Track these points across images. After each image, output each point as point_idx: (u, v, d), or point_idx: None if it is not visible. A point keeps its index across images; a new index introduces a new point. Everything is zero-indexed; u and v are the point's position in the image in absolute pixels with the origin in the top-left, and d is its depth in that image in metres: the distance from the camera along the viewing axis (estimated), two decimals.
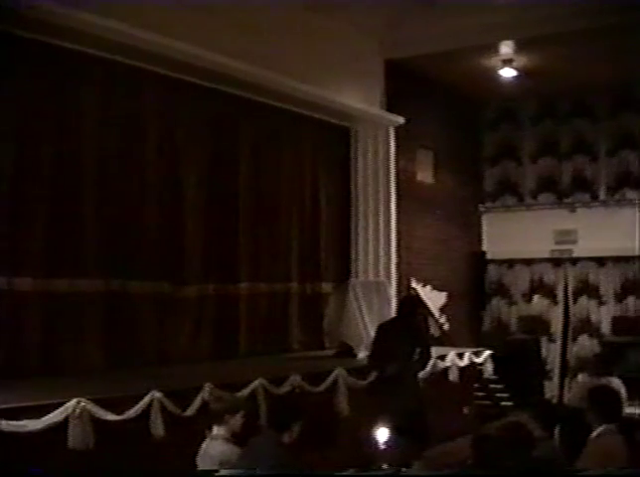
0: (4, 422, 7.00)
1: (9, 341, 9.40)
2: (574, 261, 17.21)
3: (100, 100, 10.54)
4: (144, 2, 10.27)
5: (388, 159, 14.72)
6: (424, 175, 16.43)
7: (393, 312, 13.39)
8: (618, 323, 16.57)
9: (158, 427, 8.12)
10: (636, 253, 16.42)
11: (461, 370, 13.16)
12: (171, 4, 10.56)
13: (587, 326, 16.92)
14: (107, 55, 10.35)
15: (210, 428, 6.95)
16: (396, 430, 8.11)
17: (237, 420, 6.94)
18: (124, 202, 10.83)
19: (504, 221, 17.90)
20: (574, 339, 17.05)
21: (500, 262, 17.96)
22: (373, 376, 10.58)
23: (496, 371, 14.20)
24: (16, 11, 8.94)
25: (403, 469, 6.76)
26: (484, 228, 18.12)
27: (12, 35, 9.28)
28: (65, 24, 9.46)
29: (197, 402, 8.50)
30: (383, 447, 7.02)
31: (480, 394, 14.61)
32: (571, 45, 14.10)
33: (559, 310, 17.31)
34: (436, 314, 15.63)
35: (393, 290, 14.24)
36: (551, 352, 17.15)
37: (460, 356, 13.25)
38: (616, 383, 10.84)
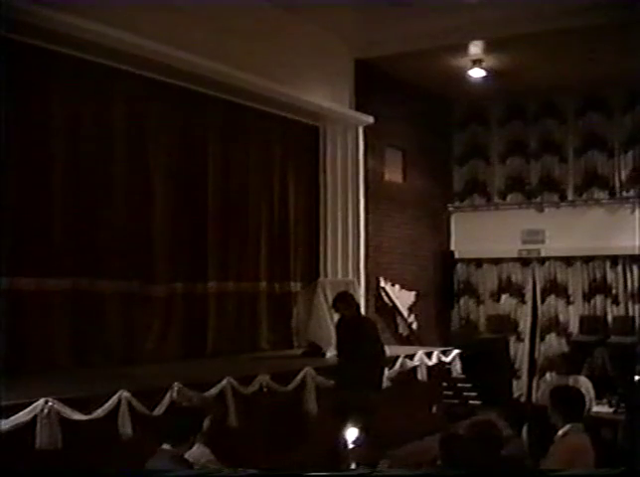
0: None
1: None
2: (542, 261, 17.29)
3: (69, 98, 10.46)
4: (114, 1, 10.22)
5: (357, 159, 14.72)
6: (393, 175, 16.44)
7: (361, 311, 13.43)
8: (586, 322, 16.66)
9: (126, 427, 8.10)
10: (603, 253, 16.53)
11: (430, 369, 13.16)
12: (141, 3, 10.52)
13: (555, 325, 17.00)
14: (76, 52, 10.27)
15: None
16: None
17: (205, 421, 6.91)
18: (92, 200, 10.74)
19: (472, 220, 17.95)
20: (542, 338, 17.13)
21: (468, 262, 18.01)
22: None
23: (464, 370, 14.21)
24: None
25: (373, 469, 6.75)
26: (453, 227, 18.14)
27: None
28: (29, 21, 9.36)
29: (165, 402, 8.48)
30: (351, 446, 7.03)
31: (448, 392, 14.64)
32: (540, 46, 14.18)
33: (527, 309, 17.38)
34: (405, 313, 15.67)
35: (362, 289, 14.26)
36: (519, 351, 17.23)
37: (429, 355, 13.26)
38: (584, 382, 10.93)
